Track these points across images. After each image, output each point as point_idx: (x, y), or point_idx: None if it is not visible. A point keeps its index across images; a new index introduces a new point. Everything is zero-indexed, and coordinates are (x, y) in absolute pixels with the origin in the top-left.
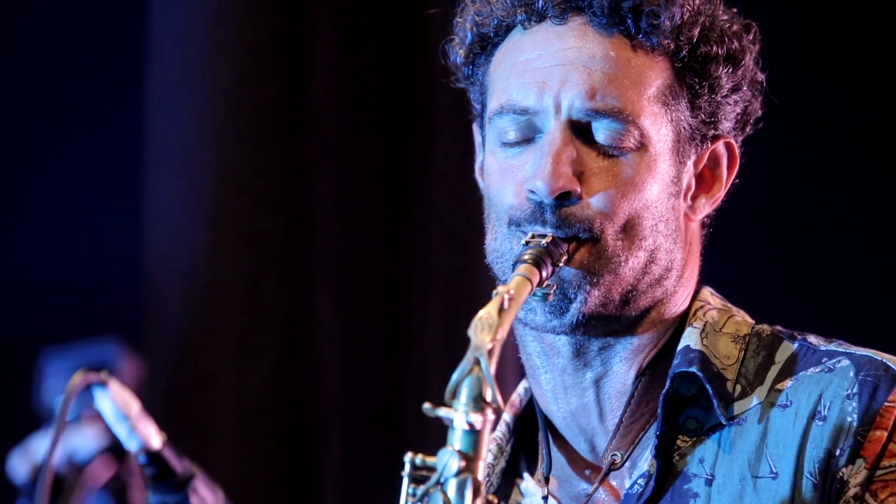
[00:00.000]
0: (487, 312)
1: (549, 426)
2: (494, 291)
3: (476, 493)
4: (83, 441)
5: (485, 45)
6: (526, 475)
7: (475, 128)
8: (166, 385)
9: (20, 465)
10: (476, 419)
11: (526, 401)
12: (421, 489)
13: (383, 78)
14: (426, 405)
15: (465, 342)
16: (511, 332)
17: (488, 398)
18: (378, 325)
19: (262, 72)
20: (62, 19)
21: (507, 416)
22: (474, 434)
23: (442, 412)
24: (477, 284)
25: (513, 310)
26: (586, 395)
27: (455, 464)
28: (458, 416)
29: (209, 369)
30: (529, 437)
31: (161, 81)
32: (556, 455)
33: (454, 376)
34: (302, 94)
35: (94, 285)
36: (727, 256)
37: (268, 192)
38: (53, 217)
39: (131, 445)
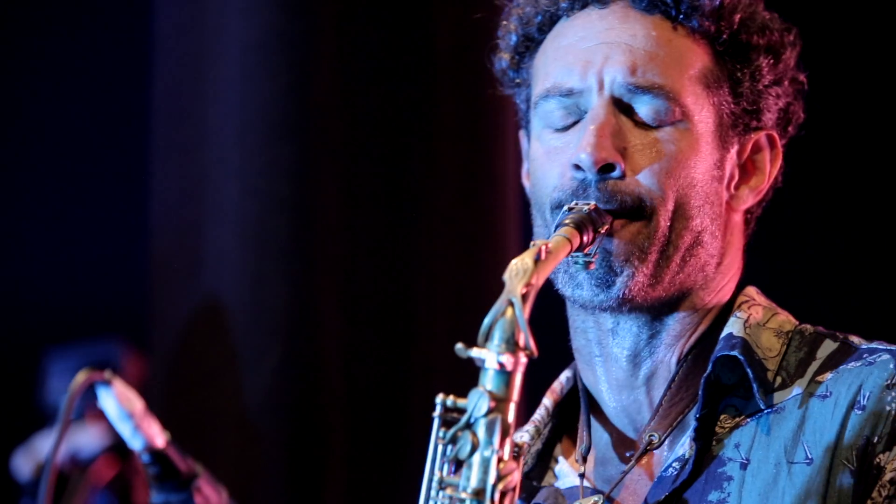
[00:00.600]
0: (521, 259)
1: (593, 409)
2: (532, 243)
3: (505, 434)
4: (87, 440)
5: (529, 45)
6: (561, 458)
7: (521, 135)
8: (170, 384)
9: (24, 464)
10: (507, 360)
11: (568, 389)
12: (450, 432)
13: (388, 77)
14: (459, 345)
15: (470, 341)
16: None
17: (521, 342)
18: (382, 324)
19: (266, 70)
20: (65, 18)
21: (547, 402)
22: (505, 375)
23: (474, 352)
24: (481, 283)
25: (549, 263)
26: (637, 391)
27: (485, 404)
28: (490, 355)
29: (213, 368)
30: (569, 423)
31: (165, 79)
32: (602, 436)
33: (486, 319)
34: (306, 92)
35: (97, 284)
36: (768, 259)
37: (272, 192)
38: (57, 216)
39: (135, 444)
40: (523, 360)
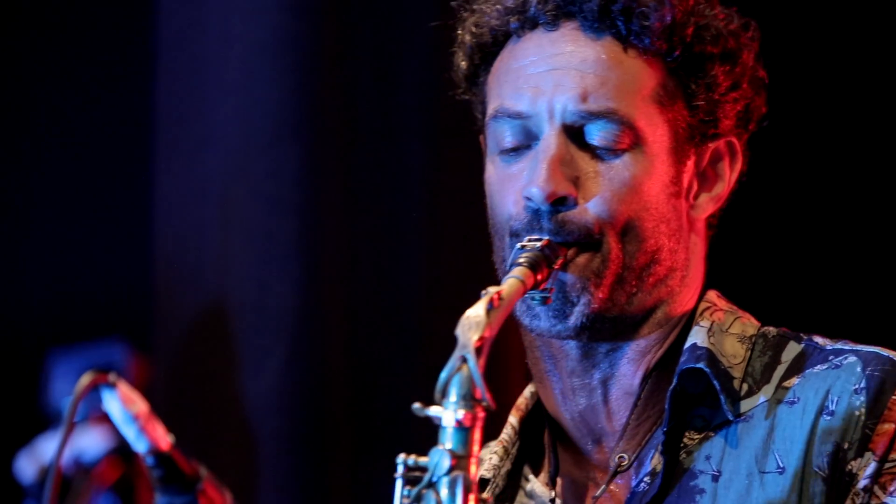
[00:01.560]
0: (474, 311)
1: (556, 429)
2: (483, 291)
3: (468, 491)
4: (91, 442)
5: (484, 55)
6: (531, 477)
7: (482, 139)
8: (174, 386)
9: (27, 467)
10: (465, 416)
11: (532, 404)
12: (414, 490)
13: (392, 79)
14: (416, 405)
15: None
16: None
17: (478, 396)
18: (387, 326)
19: (270, 72)
20: (69, 19)
21: (513, 419)
22: (464, 431)
23: (431, 411)
24: (486, 285)
25: (502, 310)
26: (594, 395)
27: (446, 462)
28: (447, 414)
29: (217, 370)
30: (535, 440)
31: (168, 81)
32: (562, 458)
33: (442, 375)
34: (311, 94)
35: (102, 287)
36: (729, 260)
37: (276, 194)
38: (61, 218)
39: (139, 447)
40: (481, 415)
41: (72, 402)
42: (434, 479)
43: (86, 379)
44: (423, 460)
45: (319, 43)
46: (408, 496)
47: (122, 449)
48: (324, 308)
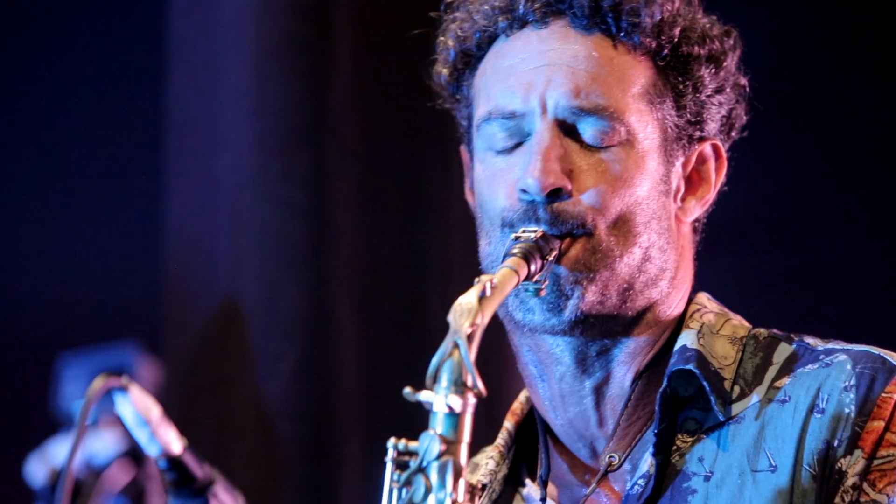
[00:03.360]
0: (467, 298)
1: (549, 432)
2: (477, 279)
3: (457, 477)
4: (102, 445)
5: (468, 61)
6: (528, 481)
7: (463, 149)
8: (185, 389)
9: (38, 470)
10: (456, 402)
11: (527, 409)
12: (404, 475)
13: (402, 82)
14: (407, 389)
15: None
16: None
17: (469, 383)
18: (397, 329)
19: (282, 77)
20: (81, 24)
21: (508, 424)
22: (455, 417)
23: (422, 396)
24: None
25: (495, 298)
26: (584, 402)
27: (436, 447)
28: (438, 399)
29: (228, 374)
30: (531, 444)
31: (181, 86)
32: (557, 462)
33: (433, 360)
34: (323, 99)
35: (113, 290)
36: (720, 264)
37: (288, 198)
38: (73, 222)
39: (151, 450)
40: (472, 401)
41: (84, 406)
42: (424, 463)
43: (98, 382)
44: (413, 445)
45: (331, 47)
46: (397, 480)
47: (133, 452)
48: (335, 312)
